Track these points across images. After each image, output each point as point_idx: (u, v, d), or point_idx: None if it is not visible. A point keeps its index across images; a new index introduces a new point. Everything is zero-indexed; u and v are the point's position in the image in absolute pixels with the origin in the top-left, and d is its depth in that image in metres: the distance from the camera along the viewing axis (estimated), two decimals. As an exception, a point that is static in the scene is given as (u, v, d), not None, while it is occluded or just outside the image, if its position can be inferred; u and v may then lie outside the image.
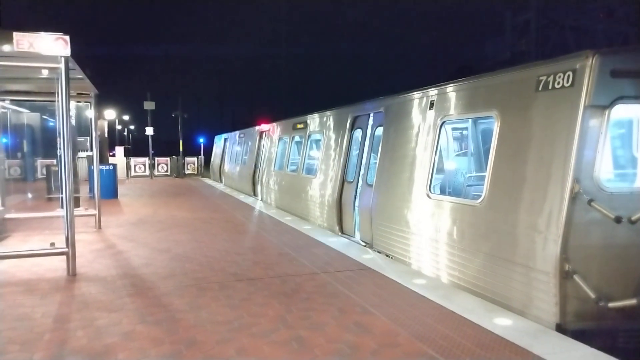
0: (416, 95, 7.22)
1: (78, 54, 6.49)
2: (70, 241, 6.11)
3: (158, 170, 28.50)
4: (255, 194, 16.69)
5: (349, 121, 9.70)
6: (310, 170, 11.71)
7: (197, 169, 30.34)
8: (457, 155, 8.36)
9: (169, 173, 28.67)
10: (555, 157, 4.57)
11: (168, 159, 29.08)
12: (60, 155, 6.34)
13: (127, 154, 32.28)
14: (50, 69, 6.38)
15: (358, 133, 9.46)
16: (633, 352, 4.40)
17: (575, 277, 4.33)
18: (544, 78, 4.82)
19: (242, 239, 8.67)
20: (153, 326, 4.35)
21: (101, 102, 15.91)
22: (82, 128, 14.84)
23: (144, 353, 3.79)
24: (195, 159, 30.86)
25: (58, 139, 6.50)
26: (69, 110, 6.19)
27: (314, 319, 4.52)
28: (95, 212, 9.91)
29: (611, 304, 4.27)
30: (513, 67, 5.75)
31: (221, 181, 23.69)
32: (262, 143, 16.77)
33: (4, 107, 10.66)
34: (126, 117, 60.10)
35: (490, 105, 5.63)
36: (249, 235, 9.19)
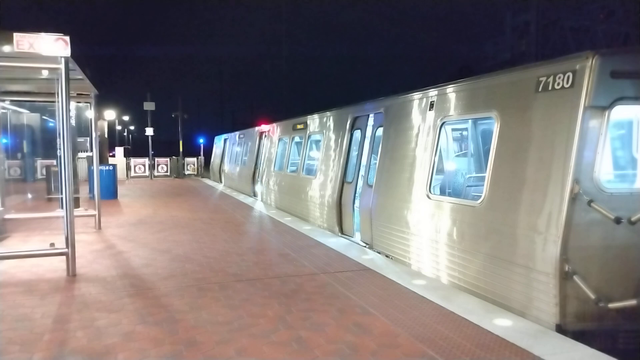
0: (416, 95, 7.22)
1: (78, 55, 6.50)
2: (70, 242, 6.11)
3: (158, 171, 28.49)
4: (255, 195, 16.69)
5: (348, 122, 9.70)
6: (310, 171, 11.71)
7: (197, 169, 30.35)
8: (457, 155, 8.35)
9: (168, 173, 28.66)
10: (555, 157, 4.57)
11: (168, 159, 29.08)
12: (60, 156, 6.34)
13: (127, 154, 32.33)
14: (50, 69, 6.38)
15: (358, 134, 9.46)
16: (633, 353, 4.40)
17: (575, 277, 4.33)
18: (543, 79, 4.82)
19: (242, 239, 8.67)
20: (153, 327, 4.35)
21: (101, 102, 15.88)
22: (82, 128, 14.86)
23: (144, 354, 3.79)
24: (195, 159, 30.88)
25: (58, 139, 6.49)
26: (69, 110, 6.19)
27: (314, 320, 4.52)
28: (95, 212, 9.91)
29: (611, 305, 4.27)
30: (513, 67, 5.74)
31: (221, 182, 23.69)
32: (262, 143, 16.76)
33: (4, 108, 10.67)
34: (126, 118, 60.20)
35: (490, 106, 5.63)
36: (249, 235, 9.19)
